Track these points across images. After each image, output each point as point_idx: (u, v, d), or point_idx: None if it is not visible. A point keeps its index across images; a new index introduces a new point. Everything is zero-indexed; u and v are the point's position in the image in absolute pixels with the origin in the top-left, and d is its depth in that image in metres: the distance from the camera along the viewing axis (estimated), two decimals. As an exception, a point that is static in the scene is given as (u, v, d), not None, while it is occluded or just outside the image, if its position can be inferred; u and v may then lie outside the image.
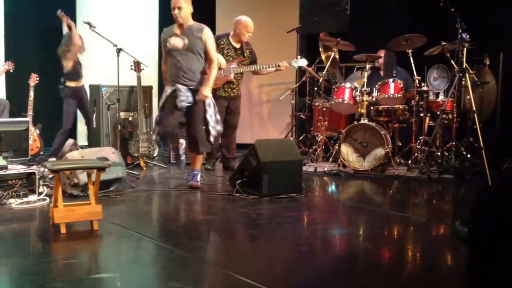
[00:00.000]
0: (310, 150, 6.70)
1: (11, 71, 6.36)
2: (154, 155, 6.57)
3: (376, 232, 3.89)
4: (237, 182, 4.90)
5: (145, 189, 5.16)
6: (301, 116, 7.32)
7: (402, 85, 6.23)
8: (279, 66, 6.05)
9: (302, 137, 7.18)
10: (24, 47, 7.10)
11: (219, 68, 5.84)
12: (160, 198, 4.95)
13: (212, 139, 5.01)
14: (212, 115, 4.96)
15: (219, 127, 5.07)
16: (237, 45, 6.04)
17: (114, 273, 2.99)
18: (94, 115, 6.55)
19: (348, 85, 6.48)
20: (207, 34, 4.96)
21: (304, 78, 7.19)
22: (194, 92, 4.91)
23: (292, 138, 7.00)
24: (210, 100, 4.97)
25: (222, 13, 7.91)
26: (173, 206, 4.78)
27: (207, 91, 4.89)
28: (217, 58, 5.09)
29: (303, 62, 6.23)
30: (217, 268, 2.97)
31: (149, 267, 3.12)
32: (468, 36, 5.78)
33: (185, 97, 4.87)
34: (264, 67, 6.06)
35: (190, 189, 5.12)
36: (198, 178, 5.21)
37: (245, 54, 6.06)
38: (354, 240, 3.75)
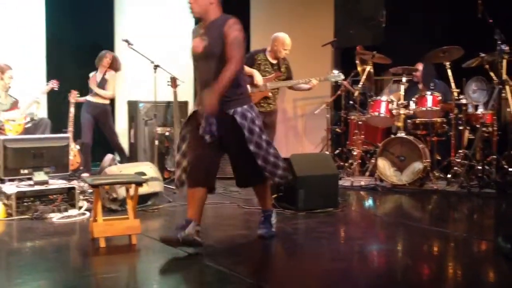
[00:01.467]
0: (346, 164, 6.64)
1: (55, 89, 6.54)
2: (191, 170, 6.61)
3: (415, 248, 3.81)
4: (273, 196, 4.88)
5: (181, 203, 5.19)
6: (337, 129, 7.27)
7: (440, 97, 6.13)
8: (309, 81, 6.08)
9: (337, 151, 7.12)
10: (65, 65, 7.29)
11: (255, 85, 5.92)
12: (197, 212, 4.97)
13: (269, 168, 3.60)
14: (260, 142, 3.55)
15: (272, 150, 3.64)
16: (274, 61, 6.10)
17: (153, 287, 3.01)
18: (132, 130, 6.65)
19: (384, 98, 6.42)
20: (229, 25, 3.48)
21: (339, 92, 7.15)
22: (223, 116, 3.50)
23: (327, 152, 6.95)
24: (250, 123, 3.53)
25: (257, 28, 7.96)
26: (209, 220, 4.77)
27: (209, 98, 3.39)
28: (240, 58, 3.50)
29: (339, 77, 6.23)
30: (254, 283, 2.96)
31: (187, 282, 3.13)
32: (507, 48, 5.66)
33: (206, 124, 3.52)
34: (300, 82, 6.11)
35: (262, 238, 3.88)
36: (273, 220, 3.91)
37: (282, 70, 6.09)
38: (393, 256, 3.69)
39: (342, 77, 6.27)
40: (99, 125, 6.69)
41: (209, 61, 3.50)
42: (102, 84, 6.58)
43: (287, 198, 4.84)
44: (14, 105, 6.18)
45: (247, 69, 6.08)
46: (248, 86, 5.98)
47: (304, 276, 3.20)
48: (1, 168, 4.73)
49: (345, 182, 6.15)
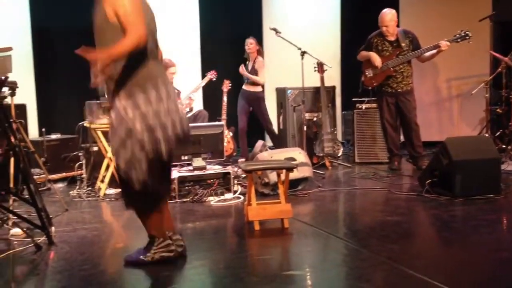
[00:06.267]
0: (509, 147, 6.12)
1: (213, 80, 6.93)
2: (339, 155, 6.59)
3: None
4: (427, 182, 4.69)
5: (330, 188, 5.21)
6: (497, 110, 6.71)
7: None
8: (439, 46, 5.69)
9: (498, 133, 6.59)
10: (217, 57, 7.67)
11: (375, 66, 5.78)
12: (346, 197, 4.96)
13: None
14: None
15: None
16: (392, 38, 5.93)
17: (305, 271, 3.07)
18: (281, 117, 6.81)
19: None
20: None
21: (499, 69, 6.59)
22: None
23: (487, 135, 6.48)
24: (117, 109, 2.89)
25: (406, 5, 7.62)
26: (359, 205, 4.75)
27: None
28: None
29: (466, 36, 5.70)
30: (409, 271, 2.87)
31: (338, 266, 3.14)
32: None
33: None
34: (422, 53, 5.82)
35: None
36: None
37: (402, 44, 5.85)
38: None
39: (470, 35, 5.74)
40: (254, 112, 6.96)
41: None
42: (252, 73, 6.81)
43: (442, 184, 4.61)
44: (177, 96, 6.65)
45: (363, 53, 6.00)
46: (370, 70, 5.91)
47: (463, 266, 3.03)
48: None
49: (508, 166, 5.67)
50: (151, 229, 3.10)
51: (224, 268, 3.10)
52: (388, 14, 5.90)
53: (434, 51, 5.78)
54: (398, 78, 5.90)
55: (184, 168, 5.08)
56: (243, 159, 6.57)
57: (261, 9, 7.99)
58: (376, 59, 5.88)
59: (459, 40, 5.74)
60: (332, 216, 4.43)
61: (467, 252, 3.27)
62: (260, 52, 6.91)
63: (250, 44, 6.81)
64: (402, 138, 6.40)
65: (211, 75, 6.89)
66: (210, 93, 7.38)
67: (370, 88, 6.15)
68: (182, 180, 4.84)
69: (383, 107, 6.03)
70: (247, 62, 6.91)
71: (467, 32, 5.71)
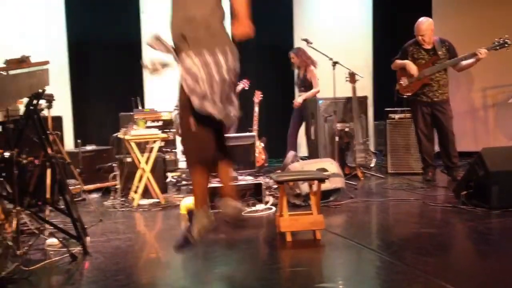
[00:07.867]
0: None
1: (246, 88, 6.97)
2: (371, 165, 6.53)
3: None
4: (462, 193, 4.59)
5: (363, 199, 5.16)
6: (535, 119, 6.56)
7: None
8: (476, 54, 5.57)
9: (537, 143, 6.43)
10: (249, 67, 7.70)
11: (411, 76, 5.70)
12: (379, 208, 4.90)
13: None
14: None
15: None
16: (428, 46, 5.84)
17: (338, 283, 3.04)
18: (312, 127, 6.78)
19: None
20: None
21: (537, 77, 6.45)
22: None
23: (524, 145, 6.32)
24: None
25: (439, 11, 7.53)
26: (392, 217, 4.68)
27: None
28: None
29: (505, 44, 5.58)
30: (445, 285, 2.80)
31: (372, 279, 3.09)
32: None
33: None
34: (459, 61, 5.73)
35: None
36: None
37: (439, 53, 5.77)
38: None
39: (509, 42, 5.62)
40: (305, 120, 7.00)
41: None
42: (304, 83, 6.87)
43: (478, 195, 4.51)
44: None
45: (398, 62, 5.94)
46: (405, 78, 5.85)
47: (501, 279, 2.94)
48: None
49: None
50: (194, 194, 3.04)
51: (256, 280, 3.09)
52: (424, 23, 5.82)
53: (472, 60, 5.68)
54: (434, 86, 5.81)
55: (214, 179, 5.09)
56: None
57: (292, 19, 8.03)
58: (412, 68, 5.80)
59: (497, 47, 5.64)
60: (365, 227, 4.37)
61: (505, 265, 3.18)
62: (308, 63, 6.88)
63: (291, 58, 6.90)
64: (436, 148, 6.30)
65: (244, 84, 6.93)
66: (242, 104, 7.41)
67: (405, 96, 6.07)
68: (213, 191, 4.86)
69: (418, 117, 5.94)
70: (298, 72, 6.96)
71: (506, 40, 5.60)
